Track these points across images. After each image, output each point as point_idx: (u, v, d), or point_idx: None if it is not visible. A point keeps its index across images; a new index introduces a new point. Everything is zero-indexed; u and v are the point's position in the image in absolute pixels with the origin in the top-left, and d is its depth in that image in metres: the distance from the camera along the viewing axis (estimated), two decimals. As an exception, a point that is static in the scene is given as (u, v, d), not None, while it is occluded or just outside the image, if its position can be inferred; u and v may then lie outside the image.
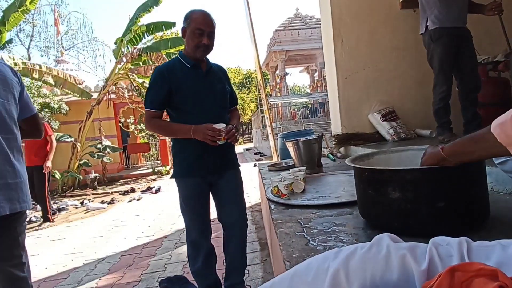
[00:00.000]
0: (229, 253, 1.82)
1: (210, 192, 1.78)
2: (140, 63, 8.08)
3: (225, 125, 1.57)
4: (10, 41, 8.09)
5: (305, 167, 1.94)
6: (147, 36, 8.06)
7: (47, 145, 4.47)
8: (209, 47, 1.62)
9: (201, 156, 1.65)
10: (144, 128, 10.55)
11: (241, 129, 28.05)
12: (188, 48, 1.63)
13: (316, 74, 20.30)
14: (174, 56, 1.74)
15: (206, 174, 1.70)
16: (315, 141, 2.16)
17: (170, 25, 7.87)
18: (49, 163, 4.44)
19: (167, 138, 10.51)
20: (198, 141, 1.57)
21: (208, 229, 1.76)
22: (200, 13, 1.60)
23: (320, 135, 2.30)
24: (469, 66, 2.41)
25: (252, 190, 5.05)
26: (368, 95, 3.26)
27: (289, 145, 2.19)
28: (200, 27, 1.56)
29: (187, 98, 1.62)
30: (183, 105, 1.63)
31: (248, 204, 4.45)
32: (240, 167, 1.86)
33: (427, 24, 2.45)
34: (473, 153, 0.73)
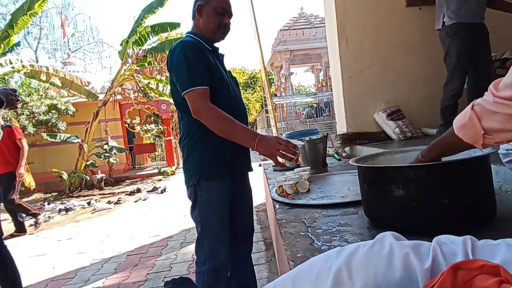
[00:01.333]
0: (241, 269, 1.55)
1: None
2: (146, 64, 8.13)
3: (302, 143, 1.29)
4: (18, 44, 8.20)
5: (310, 167, 1.93)
6: (152, 37, 8.11)
7: (20, 150, 4.03)
8: (229, 28, 1.43)
9: (235, 152, 1.37)
10: (149, 129, 10.64)
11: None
12: (206, 28, 1.38)
13: (321, 73, 20.23)
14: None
15: (236, 176, 1.44)
16: (320, 140, 2.14)
17: (175, 25, 7.91)
18: (22, 170, 4.01)
19: (172, 138, 10.58)
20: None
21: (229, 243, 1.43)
22: None
23: (325, 134, 2.29)
24: (485, 63, 2.38)
25: (257, 190, 5.05)
26: (373, 94, 3.24)
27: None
28: (223, 6, 1.37)
29: (221, 81, 1.36)
30: (219, 89, 1.33)
31: (253, 204, 4.45)
32: None
33: (444, 20, 2.43)
34: (446, 152, 0.84)
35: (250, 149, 1.34)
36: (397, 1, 3.24)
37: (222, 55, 1.50)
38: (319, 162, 2.12)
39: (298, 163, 1.24)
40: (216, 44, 1.46)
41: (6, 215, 4.30)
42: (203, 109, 1.25)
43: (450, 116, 2.44)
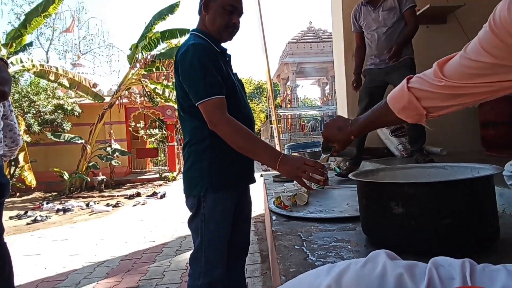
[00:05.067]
0: (234, 283, 1.47)
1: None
2: (153, 69, 8.22)
3: (328, 162, 1.22)
4: (30, 44, 8.36)
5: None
6: (162, 43, 8.22)
7: None
8: (238, 28, 1.30)
9: (244, 163, 1.30)
10: (153, 133, 10.67)
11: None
12: (212, 27, 1.26)
13: (327, 87, 20.33)
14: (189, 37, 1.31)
15: (241, 186, 1.38)
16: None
17: (184, 32, 8.02)
18: None
19: (175, 144, 10.60)
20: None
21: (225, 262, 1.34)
22: None
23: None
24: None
25: (257, 200, 5.00)
26: (377, 109, 3.22)
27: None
28: (233, 4, 1.24)
29: (233, 89, 1.27)
30: (230, 97, 1.23)
31: (252, 215, 4.40)
32: None
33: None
34: (375, 127, 0.93)
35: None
36: (405, 19, 3.25)
37: (229, 56, 1.37)
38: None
39: (326, 185, 1.13)
40: (223, 44, 1.34)
41: (6, 212, 4.28)
42: (221, 122, 1.15)
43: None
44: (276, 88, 22.14)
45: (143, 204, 5.93)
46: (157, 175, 9.74)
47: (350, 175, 1.10)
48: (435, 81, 0.65)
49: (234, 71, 1.38)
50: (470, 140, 3.04)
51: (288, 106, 18.01)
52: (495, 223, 0.87)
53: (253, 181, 1.44)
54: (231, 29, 1.27)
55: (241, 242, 1.47)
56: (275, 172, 3.66)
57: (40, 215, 5.13)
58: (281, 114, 15.60)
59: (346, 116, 3.28)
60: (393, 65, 2.36)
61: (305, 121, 17.71)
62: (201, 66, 1.16)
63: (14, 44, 7.05)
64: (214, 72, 1.18)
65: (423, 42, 3.24)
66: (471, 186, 0.81)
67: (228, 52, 1.36)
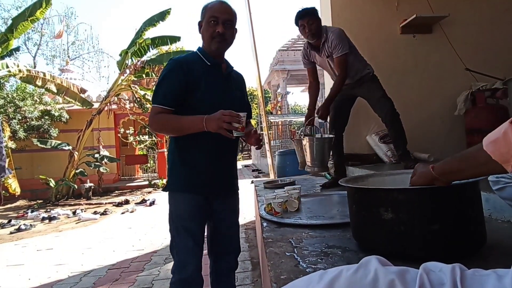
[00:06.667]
0: (220, 286, 1.52)
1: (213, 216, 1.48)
2: (143, 75, 8.16)
3: (245, 113, 1.29)
4: (17, 49, 8.20)
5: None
6: (152, 49, 8.18)
7: None
8: (225, 37, 1.36)
9: (209, 170, 1.38)
10: (143, 140, 10.55)
11: (240, 145, 28.00)
12: (205, 43, 1.40)
13: (317, 94, 20.49)
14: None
15: (210, 194, 1.41)
16: (329, 140, 2.17)
17: (175, 39, 8.00)
18: None
19: (165, 150, 10.49)
20: (208, 153, 1.35)
21: (199, 263, 1.40)
22: (217, 1, 1.39)
23: (331, 136, 2.27)
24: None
25: (248, 207, 4.98)
26: (366, 116, 3.25)
27: (304, 142, 2.13)
28: (214, 15, 1.34)
29: (205, 97, 1.35)
30: (200, 104, 1.33)
31: (242, 222, 4.37)
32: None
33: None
34: (465, 171, 0.72)
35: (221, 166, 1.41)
36: (392, 29, 3.33)
37: (231, 70, 1.47)
38: (325, 162, 2.11)
39: (244, 132, 1.27)
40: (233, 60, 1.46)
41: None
42: (151, 123, 1.35)
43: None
44: (266, 95, 22.25)
45: (131, 212, 5.82)
46: (147, 182, 9.59)
47: (340, 181, 1.11)
48: None
49: (233, 82, 1.47)
50: (457, 147, 3.11)
51: (279, 112, 18.10)
52: (482, 228, 0.89)
53: (229, 190, 1.47)
54: (216, 39, 1.35)
55: (224, 249, 1.50)
56: (266, 179, 3.67)
57: (24, 224, 4.97)
58: (271, 120, 15.66)
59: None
60: (356, 81, 2.44)
61: (295, 128, 17.78)
62: (163, 77, 1.35)
63: (0, 49, 6.91)
64: (168, 84, 1.33)
65: (409, 52, 3.33)
66: (458, 192, 0.82)
67: (231, 65, 1.48)
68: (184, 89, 1.32)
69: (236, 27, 1.44)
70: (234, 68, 1.53)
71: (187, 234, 1.35)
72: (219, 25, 1.34)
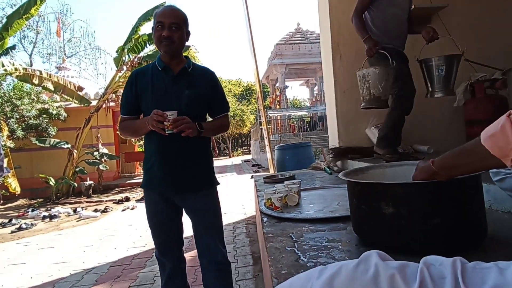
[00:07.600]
0: (204, 278, 1.60)
1: (185, 212, 1.59)
2: (141, 72, 8.10)
3: (176, 111, 1.39)
4: (13, 47, 8.11)
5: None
6: (149, 45, 8.12)
7: None
8: (171, 39, 1.43)
9: (162, 169, 1.48)
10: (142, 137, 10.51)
11: (240, 140, 27.93)
12: (156, 48, 1.55)
13: (316, 88, 20.48)
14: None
15: (165, 192, 1.50)
16: (457, 57, 2.15)
17: (171, 35, 7.93)
18: None
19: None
20: (159, 151, 1.47)
21: (170, 249, 1.58)
22: (162, 7, 1.50)
23: (462, 53, 2.25)
24: None
25: (248, 202, 4.98)
26: (365, 110, 3.25)
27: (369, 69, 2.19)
28: (160, 20, 1.43)
29: (149, 103, 1.47)
30: (146, 110, 1.48)
31: (243, 217, 4.37)
32: (217, 186, 1.61)
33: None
34: (464, 166, 0.71)
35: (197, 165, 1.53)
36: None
37: (185, 68, 1.52)
38: (450, 84, 2.06)
39: (174, 130, 1.37)
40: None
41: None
42: (118, 128, 1.60)
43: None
44: (265, 90, 22.18)
45: (132, 209, 5.83)
46: (147, 179, 9.60)
47: (340, 175, 1.10)
48: None
49: (187, 81, 1.51)
50: (456, 138, 3.10)
51: (278, 107, 18.07)
52: (483, 220, 0.88)
53: (188, 190, 1.51)
54: (164, 42, 1.45)
55: (201, 250, 1.58)
56: (266, 174, 3.68)
57: (25, 223, 4.98)
58: (270, 115, 15.63)
59: (335, 115, 3.31)
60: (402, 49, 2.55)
61: (295, 122, 17.77)
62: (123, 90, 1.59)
63: (-5, 48, 6.85)
64: (125, 95, 1.55)
65: (408, 42, 3.30)
66: (459, 186, 0.81)
67: (191, 63, 1.56)
68: (135, 97, 1.51)
69: (189, 29, 1.53)
70: (204, 66, 1.64)
71: (149, 224, 1.57)
72: (165, 29, 1.43)
